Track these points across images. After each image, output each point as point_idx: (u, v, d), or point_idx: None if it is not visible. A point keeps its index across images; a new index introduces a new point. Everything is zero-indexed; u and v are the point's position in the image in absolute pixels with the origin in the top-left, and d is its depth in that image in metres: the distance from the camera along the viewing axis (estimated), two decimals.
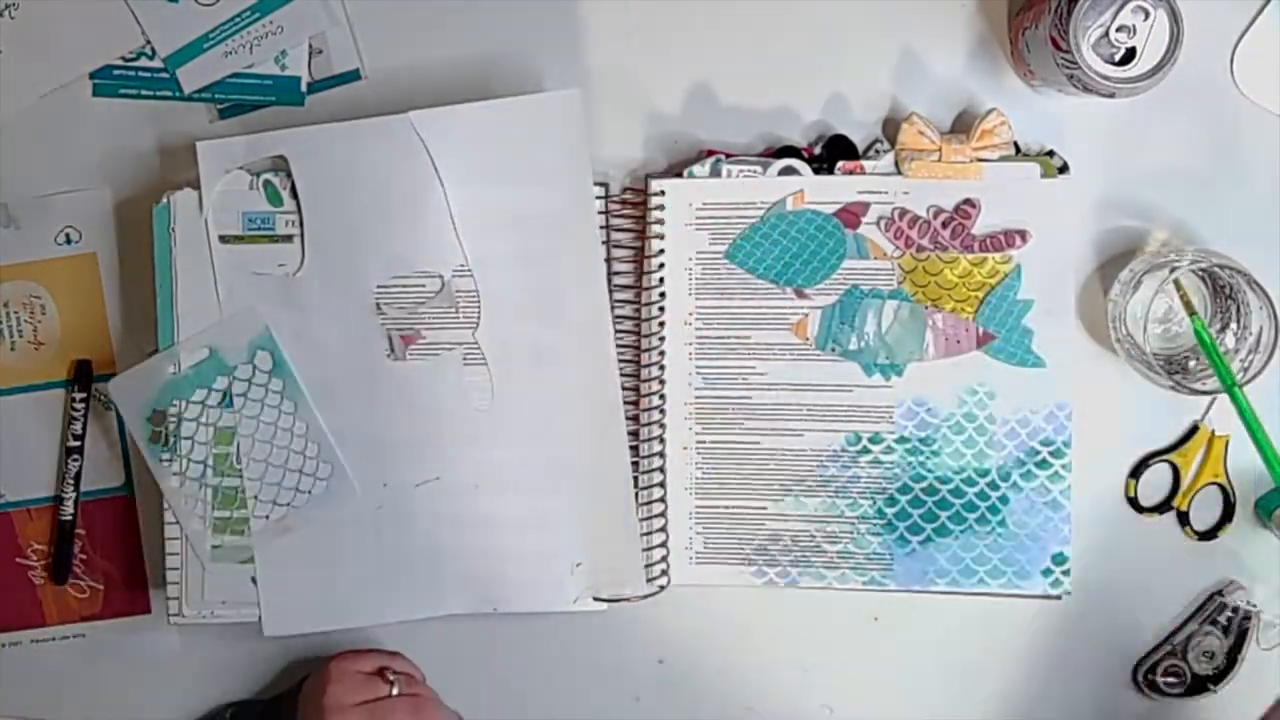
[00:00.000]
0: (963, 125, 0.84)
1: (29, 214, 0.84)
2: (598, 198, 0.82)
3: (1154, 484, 0.85)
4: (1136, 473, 0.84)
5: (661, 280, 0.83)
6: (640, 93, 0.84)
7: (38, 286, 0.85)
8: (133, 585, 0.86)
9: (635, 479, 0.83)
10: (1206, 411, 0.84)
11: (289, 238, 0.82)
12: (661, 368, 0.83)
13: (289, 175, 0.81)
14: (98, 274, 0.85)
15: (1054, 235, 0.81)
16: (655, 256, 0.83)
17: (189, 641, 0.86)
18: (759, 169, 0.82)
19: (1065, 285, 0.82)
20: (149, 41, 0.83)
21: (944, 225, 0.82)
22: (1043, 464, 0.82)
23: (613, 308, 0.82)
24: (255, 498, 0.82)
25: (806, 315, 0.82)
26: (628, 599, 0.82)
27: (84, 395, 0.84)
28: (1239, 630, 0.83)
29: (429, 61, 0.84)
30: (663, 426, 0.83)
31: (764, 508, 0.83)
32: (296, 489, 0.82)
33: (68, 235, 0.84)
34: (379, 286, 0.82)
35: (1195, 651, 0.84)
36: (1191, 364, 0.82)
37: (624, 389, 0.82)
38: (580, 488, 0.82)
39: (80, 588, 0.85)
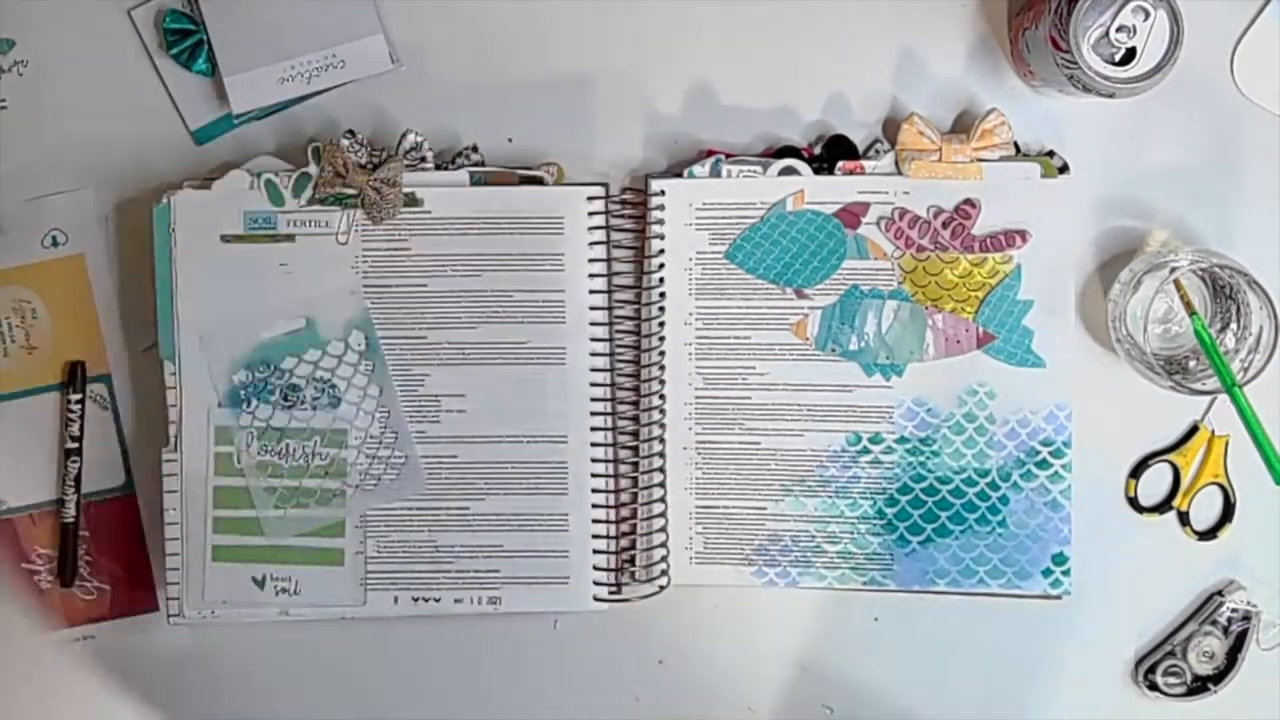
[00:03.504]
0: (963, 125, 0.84)
1: (14, 218, 0.84)
2: (598, 198, 0.82)
3: (1154, 484, 0.85)
4: (1136, 473, 0.84)
5: (661, 280, 0.83)
6: (640, 93, 0.84)
7: (27, 291, 0.84)
8: (139, 584, 0.85)
9: (635, 479, 0.83)
10: (1206, 411, 0.84)
11: (290, 237, 0.82)
12: (661, 368, 0.83)
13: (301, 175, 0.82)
14: (86, 275, 0.84)
15: (1054, 235, 0.81)
16: (655, 256, 0.82)
17: (199, 638, 0.85)
18: (759, 169, 0.82)
19: (1065, 285, 0.82)
20: (180, 114, 0.84)
21: (944, 225, 0.82)
22: (1043, 464, 0.82)
23: (613, 308, 0.82)
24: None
25: (806, 315, 0.82)
26: (628, 599, 0.83)
27: (79, 396, 0.84)
28: (1239, 630, 0.83)
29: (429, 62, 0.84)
30: (663, 426, 0.83)
31: (764, 508, 0.83)
32: (368, 472, 0.82)
33: (54, 238, 0.84)
34: None
35: (1195, 651, 0.84)
36: (1191, 364, 0.82)
37: (624, 389, 0.82)
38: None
39: (87, 589, 0.85)
